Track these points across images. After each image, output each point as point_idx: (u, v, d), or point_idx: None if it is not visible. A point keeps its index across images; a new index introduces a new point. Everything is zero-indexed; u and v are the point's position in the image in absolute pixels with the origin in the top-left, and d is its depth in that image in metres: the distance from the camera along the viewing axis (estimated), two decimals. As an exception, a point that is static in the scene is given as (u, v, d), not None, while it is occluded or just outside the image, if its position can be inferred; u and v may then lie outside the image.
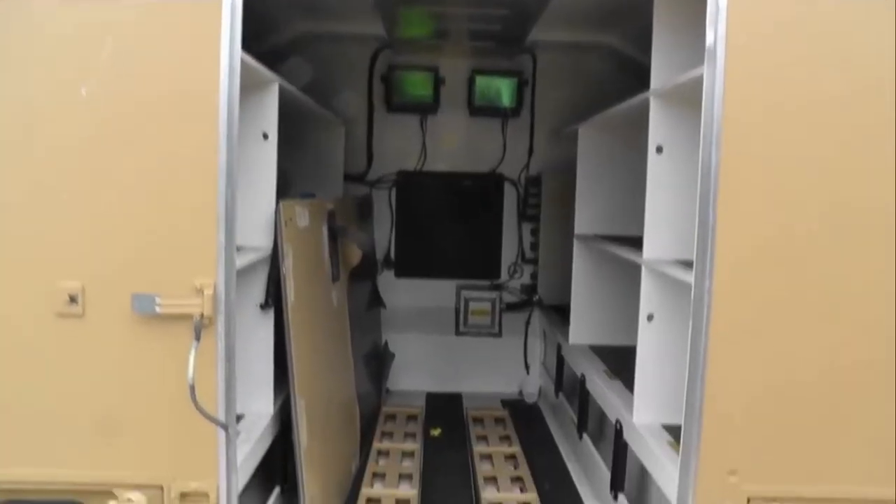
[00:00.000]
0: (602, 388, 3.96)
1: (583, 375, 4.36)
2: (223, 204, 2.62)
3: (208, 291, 2.61)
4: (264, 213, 3.29)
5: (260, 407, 3.37)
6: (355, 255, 4.51)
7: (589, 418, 4.41)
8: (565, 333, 4.96)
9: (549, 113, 5.97)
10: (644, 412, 3.38)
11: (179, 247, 2.63)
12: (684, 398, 2.69)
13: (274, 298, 3.29)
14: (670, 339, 3.36)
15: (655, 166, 3.35)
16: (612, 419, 3.68)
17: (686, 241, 3.31)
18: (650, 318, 3.38)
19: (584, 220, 4.81)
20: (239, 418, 3.29)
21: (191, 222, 2.63)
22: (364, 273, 5.12)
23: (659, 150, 3.34)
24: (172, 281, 2.62)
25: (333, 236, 4.07)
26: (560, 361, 5.14)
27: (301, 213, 3.50)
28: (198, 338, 2.59)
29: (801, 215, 2.61)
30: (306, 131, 5.30)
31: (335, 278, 4.09)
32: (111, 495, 2.66)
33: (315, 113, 4.88)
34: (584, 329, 4.84)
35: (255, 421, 3.29)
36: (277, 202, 3.29)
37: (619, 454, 3.54)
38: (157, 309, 2.60)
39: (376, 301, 5.53)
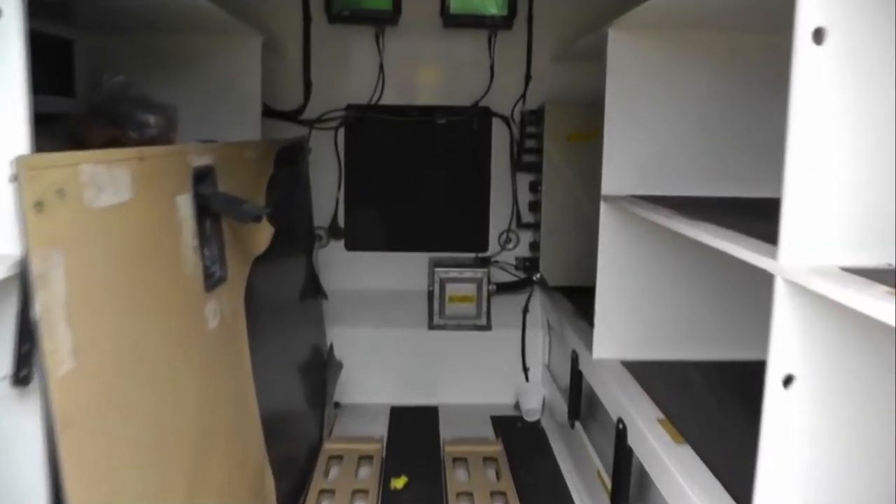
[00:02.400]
0: (661, 461, 2.25)
1: (622, 424, 2.65)
2: None
3: None
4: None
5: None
6: (262, 237, 2.75)
7: (631, 487, 2.71)
8: (584, 335, 3.26)
9: (555, 23, 4.19)
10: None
11: None
12: None
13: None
14: (831, 425, 1.64)
15: (812, 69, 1.56)
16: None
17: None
18: (789, 381, 1.64)
19: (618, 173, 3.04)
20: None
21: None
22: (287, 254, 3.37)
23: (818, 34, 1.56)
24: None
25: (208, 211, 2.29)
26: (577, 377, 3.43)
27: (97, 178, 1.70)
28: None
29: None
30: (203, 48, 3.51)
31: (214, 283, 2.33)
32: None
33: (213, 18, 3.11)
34: (616, 337, 3.11)
35: None
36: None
37: None
38: None
39: (313, 290, 3.77)
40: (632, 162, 3.04)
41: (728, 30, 2.93)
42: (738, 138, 3.03)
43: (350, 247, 4.36)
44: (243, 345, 2.58)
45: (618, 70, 3.02)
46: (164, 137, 3.34)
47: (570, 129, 4.03)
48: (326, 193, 4.28)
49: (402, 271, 4.37)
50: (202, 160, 2.32)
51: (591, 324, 3.22)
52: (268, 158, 3.06)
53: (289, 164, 3.44)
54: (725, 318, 3.08)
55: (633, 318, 3.09)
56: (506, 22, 4.08)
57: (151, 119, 3.26)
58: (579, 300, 3.87)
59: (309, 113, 4.22)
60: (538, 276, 4.20)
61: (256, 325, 2.72)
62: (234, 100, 3.55)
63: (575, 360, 3.43)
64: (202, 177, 2.29)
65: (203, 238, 2.27)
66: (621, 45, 3.00)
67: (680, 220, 2.25)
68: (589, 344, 3.18)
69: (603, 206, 3.06)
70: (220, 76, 3.54)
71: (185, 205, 2.16)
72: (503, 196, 4.34)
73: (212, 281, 2.32)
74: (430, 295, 4.22)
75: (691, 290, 3.06)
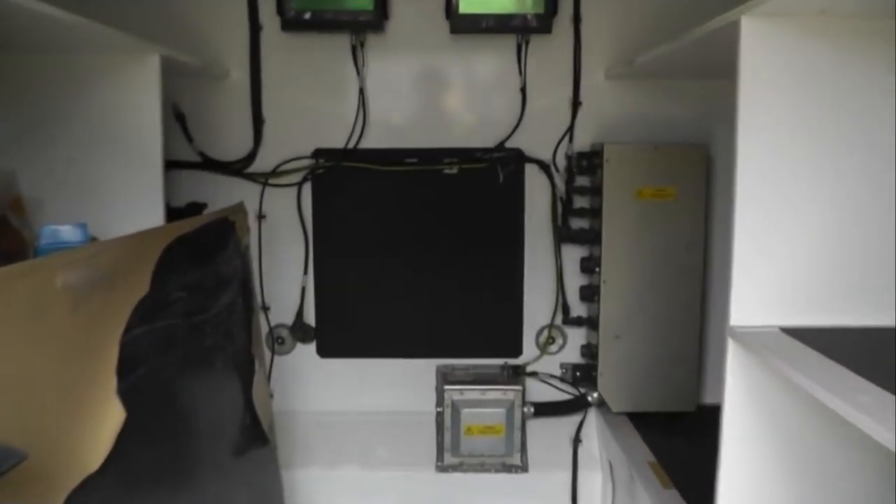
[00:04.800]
0: None
1: None
2: None
3: None
4: None
5: None
6: (102, 434, 1.40)
7: None
8: None
9: (614, 22, 2.79)
10: None
11: None
12: None
13: None
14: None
15: None
16: None
17: None
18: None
19: (760, 285, 1.65)
20: None
21: None
22: (192, 408, 1.98)
23: None
24: None
25: None
26: None
27: None
28: None
29: None
30: (68, 73, 2.20)
31: None
32: None
33: (80, 32, 1.82)
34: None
35: None
36: None
37: None
38: None
39: (252, 436, 2.37)
40: (785, 263, 1.64)
41: None
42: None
43: (324, 352, 2.95)
44: None
45: (758, 89, 1.62)
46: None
47: (639, 181, 2.63)
48: (288, 277, 2.90)
49: (398, 386, 2.96)
50: None
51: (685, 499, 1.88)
52: (136, 270, 1.68)
53: (201, 259, 2.07)
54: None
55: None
56: (542, 23, 2.68)
57: (-32, 194, 2.00)
58: (660, 437, 2.52)
59: (261, 162, 2.84)
60: (595, 395, 2.79)
61: None
62: (120, 150, 2.23)
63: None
64: None
65: None
66: (765, 45, 1.60)
67: None
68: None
69: (731, 347, 1.66)
70: (96, 115, 2.21)
71: None
72: (543, 278, 2.90)
73: None
74: (439, 421, 2.82)
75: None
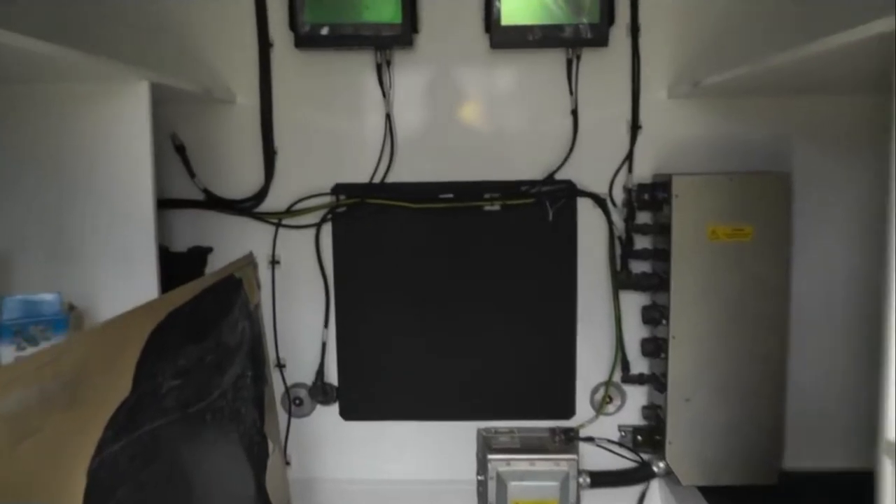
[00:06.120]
0: None
1: None
2: None
3: None
4: None
5: None
6: None
7: None
8: None
9: (676, 36, 2.39)
10: None
11: None
12: None
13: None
14: None
15: None
16: None
17: None
18: None
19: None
20: None
21: None
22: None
23: None
24: None
25: None
26: None
27: None
28: None
29: None
30: (44, 104, 1.83)
31: None
32: None
33: (54, 60, 1.47)
34: None
35: None
36: None
37: None
38: None
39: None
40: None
41: None
42: None
43: (348, 415, 2.55)
44: None
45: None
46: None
47: (712, 218, 2.23)
48: (306, 331, 2.50)
49: (432, 452, 2.56)
50: None
51: None
52: (112, 369, 1.30)
53: (199, 334, 1.68)
54: None
55: None
56: (597, 35, 2.29)
57: None
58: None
59: (274, 200, 2.46)
60: (662, 465, 2.39)
61: None
62: (104, 194, 1.86)
63: None
64: None
65: None
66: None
67: None
68: None
69: (888, 469, 1.26)
70: (75, 153, 1.84)
71: None
72: (598, 329, 2.49)
73: None
74: (482, 491, 2.43)
75: None
